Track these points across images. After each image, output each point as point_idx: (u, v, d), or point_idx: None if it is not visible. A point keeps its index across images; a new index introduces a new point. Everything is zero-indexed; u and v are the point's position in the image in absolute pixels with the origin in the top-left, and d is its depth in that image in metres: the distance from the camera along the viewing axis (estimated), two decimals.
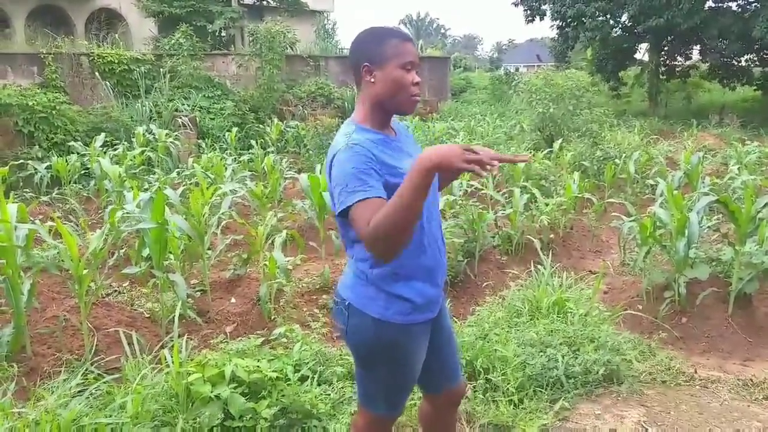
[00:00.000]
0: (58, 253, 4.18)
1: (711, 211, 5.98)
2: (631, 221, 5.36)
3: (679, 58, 21.63)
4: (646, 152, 9.78)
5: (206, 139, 12.34)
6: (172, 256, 4.65)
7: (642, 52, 22.45)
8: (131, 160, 8.96)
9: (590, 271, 5.83)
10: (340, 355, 3.34)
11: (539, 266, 4.52)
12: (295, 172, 8.79)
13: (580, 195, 7.24)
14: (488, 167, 1.58)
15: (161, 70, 13.43)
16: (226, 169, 8.27)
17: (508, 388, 3.03)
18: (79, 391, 2.83)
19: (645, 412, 3.04)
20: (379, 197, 1.71)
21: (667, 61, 21.53)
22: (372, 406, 2.05)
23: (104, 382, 2.89)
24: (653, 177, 8.43)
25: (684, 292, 4.45)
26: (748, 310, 4.48)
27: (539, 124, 12.22)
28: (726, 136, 13.90)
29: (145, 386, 2.73)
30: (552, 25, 22.18)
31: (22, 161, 9.43)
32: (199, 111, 13.15)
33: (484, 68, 40.56)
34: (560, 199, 6.85)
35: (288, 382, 2.85)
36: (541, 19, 22.19)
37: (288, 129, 12.90)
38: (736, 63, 19.59)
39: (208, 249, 5.11)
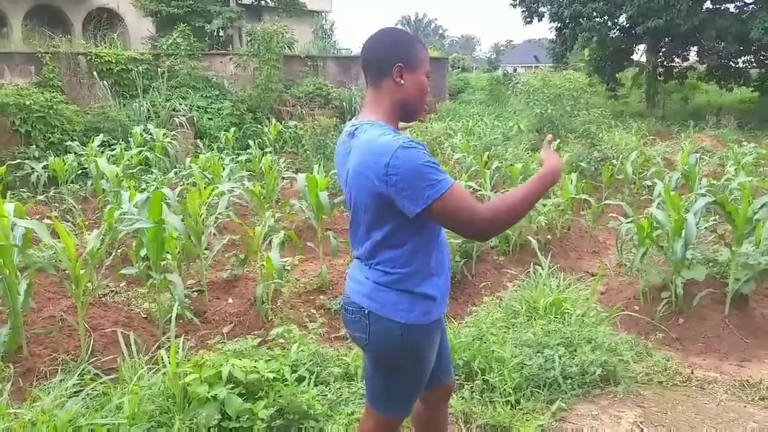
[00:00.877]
0: (55, 252, 4.16)
1: (708, 212, 5.99)
2: (629, 222, 5.36)
3: (676, 60, 21.66)
4: (644, 153, 9.80)
5: (204, 139, 12.33)
6: (169, 257, 4.65)
7: (639, 54, 22.51)
8: (128, 160, 8.95)
9: (587, 271, 5.83)
10: (338, 355, 3.34)
11: (537, 267, 4.52)
12: (293, 172, 8.79)
13: (577, 196, 7.25)
14: None
15: (159, 69, 13.42)
16: (223, 169, 8.26)
17: (505, 389, 3.03)
18: (76, 392, 2.82)
19: (642, 413, 3.04)
20: (459, 182, 1.76)
21: (665, 63, 21.57)
22: (385, 409, 2.03)
23: (101, 383, 2.88)
24: (650, 178, 8.45)
25: (681, 293, 4.46)
26: (744, 311, 4.49)
27: (537, 124, 12.24)
28: (723, 137, 13.94)
29: (142, 387, 2.73)
30: (550, 26, 22.27)
31: (19, 161, 9.41)
32: (197, 111, 13.14)
33: (482, 69, 40.65)
34: (558, 200, 6.86)
35: (285, 383, 2.85)
36: (539, 20, 22.22)
37: (286, 129, 12.90)
38: (733, 64, 19.62)
39: (206, 249, 5.10)
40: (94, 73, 12.70)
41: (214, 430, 2.53)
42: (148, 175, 8.74)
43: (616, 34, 21.10)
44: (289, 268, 5.55)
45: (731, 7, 18.65)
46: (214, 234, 5.91)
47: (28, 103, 10.48)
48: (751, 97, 20.79)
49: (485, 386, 3.09)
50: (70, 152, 9.80)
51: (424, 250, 1.88)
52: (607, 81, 21.60)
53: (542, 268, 4.37)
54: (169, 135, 10.84)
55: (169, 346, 2.81)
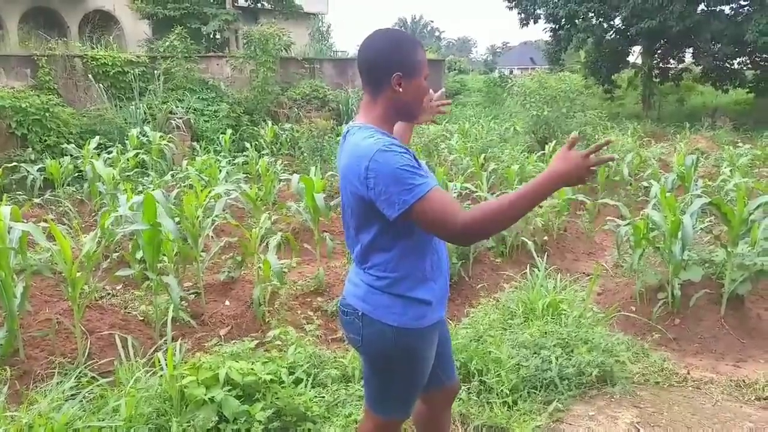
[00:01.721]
0: (51, 255, 4.16)
1: (703, 213, 6.01)
2: (626, 224, 5.38)
3: (672, 61, 21.76)
4: (639, 155, 9.82)
5: (200, 142, 12.32)
6: (166, 259, 4.64)
7: (635, 55, 22.59)
8: (125, 162, 8.93)
9: (584, 272, 5.85)
10: (335, 357, 3.35)
11: (533, 268, 4.53)
12: (290, 174, 8.79)
13: (573, 197, 7.26)
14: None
15: (155, 72, 13.39)
16: (220, 171, 8.26)
17: (502, 390, 3.04)
18: (73, 395, 2.82)
19: (638, 413, 3.05)
20: (439, 186, 1.72)
21: (660, 64, 21.65)
22: (384, 411, 2.04)
23: (98, 386, 2.88)
24: (646, 179, 8.47)
25: (678, 294, 4.47)
26: (740, 311, 4.51)
27: (533, 126, 12.26)
28: (718, 138, 13.99)
29: (139, 389, 2.73)
30: (545, 28, 22.30)
31: (15, 164, 9.39)
32: (194, 113, 13.12)
33: (479, 71, 40.67)
34: (554, 201, 6.87)
35: (282, 385, 2.85)
36: (536, 22, 22.29)
37: (282, 131, 12.89)
38: (728, 66, 19.71)
39: (202, 251, 5.10)
40: (90, 75, 12.68)
41: None
42: (145, 178, 8.73)
43: (612, 36, 21.20)
44: (286, 270, 5.56)
45: (726, 8, 18.73)
46: (211, 236, 5.90)
47: (24, 105, 10.45)
48: (747, 99, 20.87)
49: (482, 387, 3.09)
50: (66, 155, 9.78)
51: (416, 254, 1.87)
52: (603, 83, 21.68)
53: (539, 270, 4.38)
54: (165, 137, 10.83)
55: (166, 349, 2.81)
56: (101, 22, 18.13)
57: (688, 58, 21.38)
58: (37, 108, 10.61)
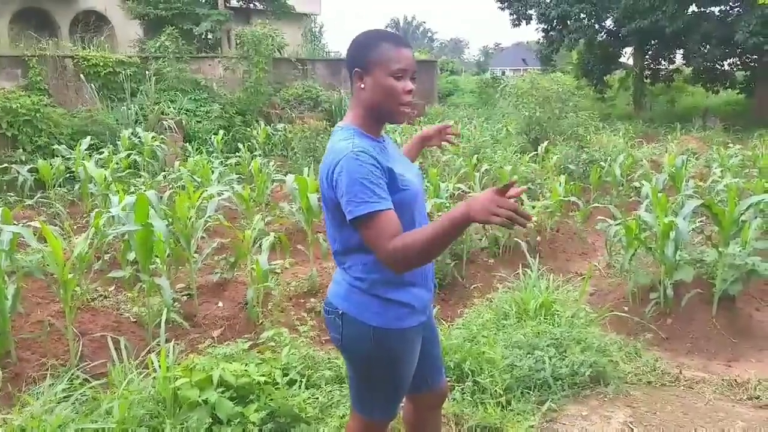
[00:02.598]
0: (42, 257, 4.14)
1: (695, 214, 6.04)
2: (617, 224, 5.40)
3: (663, 62, 21.91)
4: (631, 155, 9.87)
5: (192, 143, 12.28)
6: (158, 260, 4.62)
7: (627, 56, 22.73)
8: (117, 163, 8.89)
9: (577, 273, 5.87)
10: (329, 358, 3.34)
11: (526, 269, 4.54)
12: (283, 175, 8.77)
13: (566, 198, 7.29)
14: (518, 221, 1.57)
15: (147, 72, 13.34)
16: (212, 172, 8.23)
17: (495, 390, 3.05)
18: (65, 397, 2.80)
19: (631, 413, 3.06)
20: (391, 209, 1.72)
21: (652, 65, 21.80)
22: (367, 412, 2.04)
23: (90, 388, 2.86)
24: (638, 180, 8.51)
25: (670, 294, 4.50)
26: (732, 311, 4.54)
27: (525, 127, 12.29)
28: (709, 139, 14.07)
29: (132, 391, 2.71)
30: (537, 29, 22.39)
31: (5, 165, 9.32)
32: (186, 114, 13.08)
33: (471, 72, 40.79)
34: (546, 202, 6.89)
35: (276, 386, 2.84)
36: (528, 22, 22.38)
37: (275, 132, 12.87)
38: (719, 67, 19.86)
39: (195, 253, 5.08)
40: (81, 76, 12.61)
41: None
42: (137, 179, 8.69)
43: (604, 37, 21.32)
44: (279, 271, 5.55)
45: (716, 10, 18.86)
46: (204, 237, 5.88)
47: (14, 106, 10.38)
48: (737, 100, 21.03)
49: (476, 388, 3.10)
50: (57, 156, 9.72)
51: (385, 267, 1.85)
52: (594, 84, 21.80)
53: (532, 270, 4.39)
54: (157, 138, 10.79)
55: (159, 351, 2.80)
56: (92, 23, 18.02)
57: (679, 59, 21.53)
58: (27, 109, 10.55)
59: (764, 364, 4.03)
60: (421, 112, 17.16)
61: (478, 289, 5.10)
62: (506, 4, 22.36)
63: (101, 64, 12.99)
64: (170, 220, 4.90)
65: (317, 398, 2.94)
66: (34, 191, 8.66)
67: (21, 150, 10.29)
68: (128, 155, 9.56)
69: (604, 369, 3.35)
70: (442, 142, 2.46)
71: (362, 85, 1.85)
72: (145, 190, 4.96)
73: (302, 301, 4.91)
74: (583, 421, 2.99)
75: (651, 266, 5.06)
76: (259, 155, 11.07)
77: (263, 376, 2.83)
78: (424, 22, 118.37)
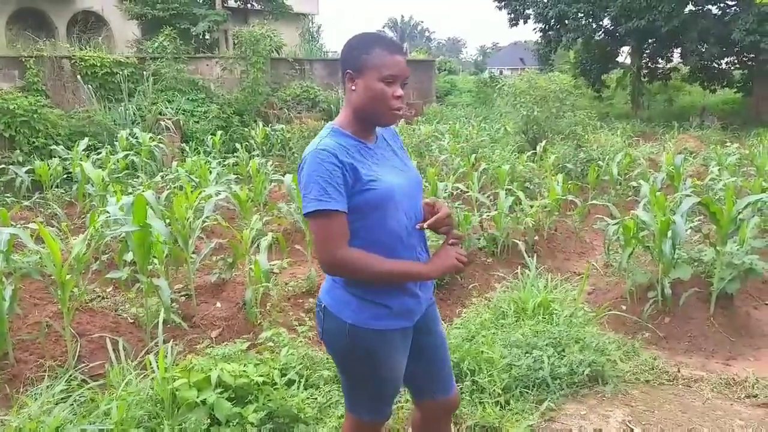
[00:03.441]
0: (40, 258, 4.12)
1: (692, 212, 6.05)
2: (615, 223, 5.41)
3: (660, 61, 21.92)
4: (629, 154, 9.88)
5: (190, 143, 12.26)
6: (156, 261, 4.62)
7: (624, 55, 22.74)
8: (114, 164, 8.88)
9: (575, 272, 5.87)
10: (327, 358, 3.33)
11: (524, 268, 4.54)
12: (281, 175, 8.76)
13: (563, 197, 7.29)
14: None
15: (144, 73, 13.33)
16: (210, 172, 8.22)
17: (494, 390, 3.04)
18: (63, 398, 2.79)
19: (630, 412, 3.06)
20: (338, 210, 1.76)
21: (649, 64, 21.81)
22: (356, 411, 2.05)
23: (88, 389, 2.86)
24: (636, 179, 8.52)
25: (668, 293, 4.50)
26: (729, 309, 4.55)
27: (523, 126, 12.30)
28: (706, 138, 14.09)
29: (130, 392, 2.71)
30: (535, 28, 22.39)
31: (2, 166, 9.31)
32: (183, 114, 13.07)
33: (469, 71, 40.77)
34: (544, 201, 6.90)
35: (274, 387, 2.84)
36: (525, 22, 22.36)
37: (273, 132, 12.87)
38: (716, 66, 19.88)
39: (193, 253, 5.08)
40: (79, 76, 12.59)
41: None
42: (135, 180, 8.68)
43: (601, 36, 21.33)
44: (277, 271, 5.54)
45: (713, 8, 18.87)
46: (202, 238, 5.88)
47: (11, 107, 10.37)
48: (734, 98, 21.06)
49: (474, 387, 3.09)
50: (54, 157, 9.70)
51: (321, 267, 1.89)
52: (592, 83, 21.81)
53: (530, 269, 4.39)
54: (155, 139, 10.78)
55: (157, 351, 2.79)
56: (90, 23, 18.00)
57: (676, 57, 21.55)
58: (24, 109, 10.53)
59: (762, 363, 4.04)
60: (419, 111, 17.16)
61: (477, 288, 5.10)
62: (504, 3, 22.34)
63: (98, 64, 12.97)
64: (168, 220, 4.89)
65: (316, 398, 2.93)
66: (32, 192, 8.65)
67: (18, 151, 10.28)
68: (126, 156, 9.55)
69: (602, 368, 3.35)
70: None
71: (353, 87, 1.88)
72: (142, 191, 4.94)
73: (300, 301, 4.90)
74: (581, 420, 2.99)
75: (649, 265, 5.07)
76: (257, 155, 11.06)
77: (262, 376, 2.83)
78: (422, 22, 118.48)
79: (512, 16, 22.31)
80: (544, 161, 9.44)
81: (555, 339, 3.47)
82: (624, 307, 4.67)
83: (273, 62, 15.54)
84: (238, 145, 11.43)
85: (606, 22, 20.76)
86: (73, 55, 12.89)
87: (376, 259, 1.81)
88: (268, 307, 4.60)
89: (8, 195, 8.55)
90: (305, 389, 2.97)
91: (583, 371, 3.26)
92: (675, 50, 20.95)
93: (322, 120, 13.28)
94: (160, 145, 10.64)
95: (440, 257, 1.95)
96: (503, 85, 14.61)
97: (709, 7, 18.83)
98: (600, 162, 9.36)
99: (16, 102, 10.55)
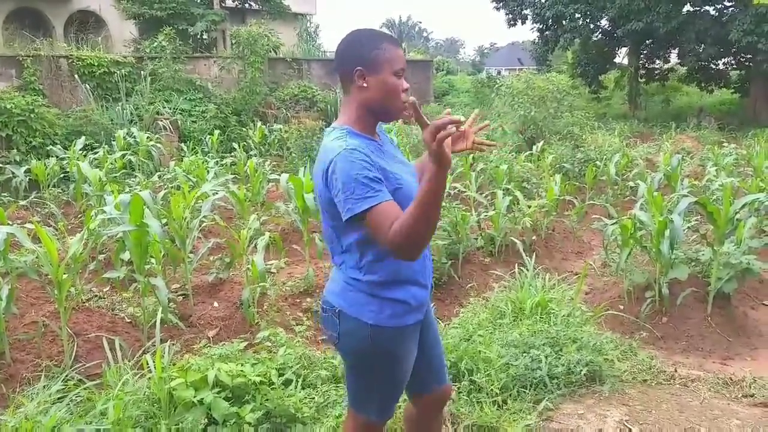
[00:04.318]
0: (36, 257, 4.11)
1: (689, 213, 6.06)
2: (613, 224, 5.41)
3: (657, 62, 21.96)
4: (626, 155, 9.89)
5: (188, 143, 12.25)
6: (153, 260, 4.61)
7: (622, 56, 22.79)
8: (112, 163, 8.86)
9: (572, 272, 5.87)
10: (325, 358, 3.33)
11: (522, 268, 4.54)
12: (279, 175, 8.75)
13: (561, 197, 7.30)
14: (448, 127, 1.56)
15: (142, 72, 13.31)
16: (208, 172, 8.21)
17: (492, 389, 3.04)
18: (60, 398, 2.79)
19: (627, 411, 3.07)
20: (389, 201, 1.73)
21: (646, 65, 21.85)
22: (363, 411, 2.04)
23: (85, 389, 2.85)
24: (633, 179, 8.53)
25: (666, 293, 4.51)
26: (726, 309, 4.55)
27: (521, 126, 12.31)
28: (703, 138, 14.11)
29: (127, 392, 2.70)
30: (532, 28, 22.42)
31: (0, 165, 9.29)
32: (181, 114, 13.06)
33: (467, 71, 40.78)
34: (542, 201, 6.90)
35: (272, 386, 2.84)
36: (523, 22, 22.41)
37: (271, 132, 12.86)
38: (713, 66, 19.92)
39: (190, 253, 5.07)
40: (76, 76, 12.58)
41: None
42: (132, 179, 8.67)
43: (599, 37, 21.36)
44: (274, 271, 5.53)
45: (711, 9, 18.91)
46: (199, 237, 5.87)
47: (8, 106, 10.35)
48: (731, 99, 21.09)
49: (472, 387, 3.09)
50: (51, 156, 9.69)
51: (393, 257, 1.83)
52: (590, 83, 21.83)
53: (527, 269, 4.39)
54: (153, 138, 10.76)
55: (154, 351, 2.79)
56: (87, 23, 17.97)
57: (674, 58, 21.59)
58: (22, 109, 10.52)
59: (759, 362, 4.05)
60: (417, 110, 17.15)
61: (474, 288, 5.10)
62: (501, 3, 22.38)
63: (96, 64, 12.95)
64: (165, 220, 4.89)
65: (313, 398, 2.93)
66: (29, 192, 8.63)
67: (15, 150, 10.26)
68: (123, 155, 9.54)
69: (599, 368, 3.35)
70: (473, 148, 2.11)
71: (364, 84, 1.84)
72: (139, 190, 4.94)
73: (298, 300, 4.90)
74: (579, 420, 2.99)
75: (646, 265, 5.07)
76: (255, 155, 11.05)
77: (259, 376, 2.82)
78: (420, 22, 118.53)
79: (510, 16, 22.35)
80: (541, 161, 9.45)
81: (552, 339, 3.47)
82: (621, 307, 4.67)
83: (271, 62, 15.54)
84: (235, 145, 11.43)
85: (604, 22, 20.80)
86: (71, 55, 12.87)
87: (409, 211, 1.65)
88: (265, 307, 4.59)
89: (5, 194, 8.53)
90: (303, 389, 2.97)
91: (581, 371, 3.26)
92: (672, 51, 21.00)
93: (320, 120, 13.27)
94: (158, 144, 10.63)
95: (430, 151, 1.63)
96: (501, 86, 14.61)
97: (707, 8, 18.87)
98: (597, 162, 9.37)
99: (14, 101, 10.53)
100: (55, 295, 3.67)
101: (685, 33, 18.05)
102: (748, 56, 18.67)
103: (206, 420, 2.55)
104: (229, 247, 5.29)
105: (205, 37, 18.96)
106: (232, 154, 11.05)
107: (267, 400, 2.74)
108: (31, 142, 10.54)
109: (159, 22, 15.99)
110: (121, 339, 3.67)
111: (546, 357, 3.27)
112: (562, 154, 10.00)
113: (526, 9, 21.70)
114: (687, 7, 18.74)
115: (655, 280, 4.62)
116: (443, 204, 6.28)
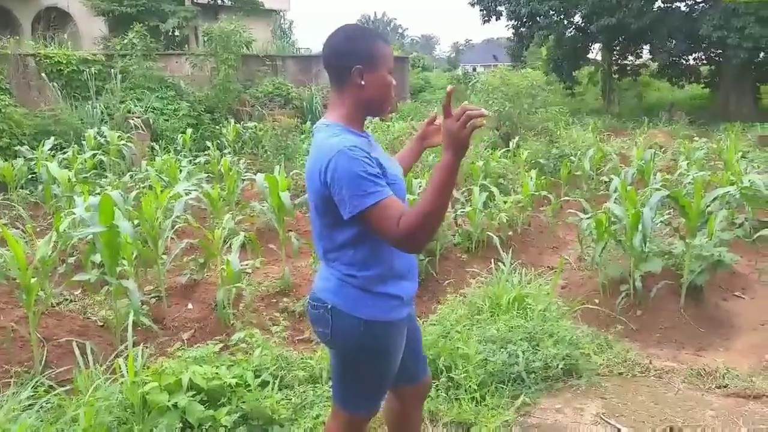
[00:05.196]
0: (4, 261, 4.01)
1: (662, 206, 6.14)
2: (588, 218, 5.46)
3: (630, 57, 22.27)
4: (600, 150, 10.00)
5: (160, 141, 12.06)
6: (125, 262, 4.52)
7: (595, 52, 23.05)
8: (82, 163, 8.68)
9: (548, 266, 5.92)
10: (302, 358, 3.30)
11: (499, 263, 4.56)
12: (253, 173, 8.66)
13: (537, 192, 7.35)
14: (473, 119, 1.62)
15: (112, 70, 13.06)
16: (180, 171, 8.09)
17: (470, 386, 3.04)
18: (30, 405, 2.72)
19: (603, 404, 3.09)
20: (392, 195, 1.74)
21: (619, 61, 22.15)
22: (352, 407, 2.04)
23: (55, 395, 2.79)
24: (607, 174, 8.62)
25: (639, 286, 4.56)
26: (699, 301, 4.63)
27: (496, 122, 12.37)
28: (675, 132, 14.34)
29: (99, 398, 2.64)
30: (507, 25, 22.55)
31: None
32: (153, 112, 12.84)
33: (442, 68, 40.90)
34: (518, 197, 6.94)
35: (248, 388, 2.80)
36: (497, 19, 22.55)
37: (245, 130, 12.72)
38: (684, 62, 20.26)
39: (164, 254, 4.99)
40: (44, 74, 12.29)
41: None
42: (103, 180, 8.50)
43: (572, 33, 21.58)
44: (250, 271, 5.47)
45: (682, 5, 19.23)
46: (173, 238, 5.78)
47: None
48: (702, 94, 21.48)
49: (450, 384, 3.09)
50: (19, 157, 9.45)
51: (386, 251, 1.87)
52: (564, 79, 22.06)
53: (504, 265, 4.41)
54: (124, 137, 10.57)
55: (127, 355, 2.73)
56: (55, 20, 17.57)
57: (646, 54, 21.92)
58: None
59: (731, 353, 4.12)
60: (394, 108, 17.16)
61: (452, 284, 5.10)
62: (476, 0, 22.47)
63: (64, 62, 12.67)
64: (137, 220, 4.80)
65: (290, 399, 2.90)
66: None
67: None
68: (94, 155, 9.34)
69: (576, 362, 3.38)
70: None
71: (362, 82, 1.84)
72: (110, 191, 4.83)
73: (274, 300, 4.85)
74: (556, 414, 3.00)
75: (621, 259, 5.13)
76: (229, 153, 10.93)
77: (235, 378, 2.78)
78: (395, 19, 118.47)
79: (485, 12, 22.47)
80: (517, 157, 9.50)
81: (529, 333, 3.48)
82: (597, 301, 4.72)
83: (244, 59, 15.37)
84: (209, 144, 11.29)
85: (577, 19, 21.03)
86: (38, 53, 12.58)
87: (419, 202, 1.68)
88: (241, 308, 4.54)
89: None
90: (280, 390, 2.94)
91: (558, 365, 3.27)
92: (644, 47, 21.31)
93: (296, 117, 13.17)
94: (129, 143, 10.43)
95: (449, 137, 1.66)
96: (476, 82, 14.67)
97: (678, 4, 19.19)
98: (572, 157, 9.46)
99: None
100: (24, 300, 3.58)
101: (656, 29, 18.33)
102: (718, 51, 19.02)
103: (181, 424, 2.50)
104: (203, 248, 5.22)
105: (176, 33, 18.66)
106: (206, 152, 10.92)
107: (243, 402, 2.70)
108: None
109: (129, 18, 15.70)
110: (93, 343, 3.59)
111: (523, 352, 3.29)
112: (538, 149, 10.08)
113: (500, 5, 21.82)
114: (658, 3, 19.03)
115: (630, 273, 4.67)
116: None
